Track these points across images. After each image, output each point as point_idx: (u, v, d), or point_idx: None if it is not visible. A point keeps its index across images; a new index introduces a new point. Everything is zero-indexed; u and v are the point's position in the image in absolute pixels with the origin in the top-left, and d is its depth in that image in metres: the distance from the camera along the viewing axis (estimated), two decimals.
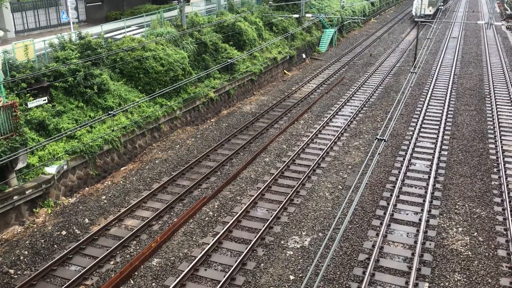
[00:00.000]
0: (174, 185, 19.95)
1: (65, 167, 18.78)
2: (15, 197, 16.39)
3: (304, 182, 20.02)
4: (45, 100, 19.59)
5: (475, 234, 16.44)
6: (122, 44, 25.32)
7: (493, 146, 23.96)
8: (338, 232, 15.17)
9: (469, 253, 15.40)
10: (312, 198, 18.90)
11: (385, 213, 17.53)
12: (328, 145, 23.67)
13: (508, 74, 38.42)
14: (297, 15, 41.94)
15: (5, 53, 19.65)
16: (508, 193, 18.96)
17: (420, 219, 17.13)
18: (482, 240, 16.10)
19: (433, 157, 22.38)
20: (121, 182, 20.32)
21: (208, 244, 15.71)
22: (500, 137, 24.86)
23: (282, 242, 15.96)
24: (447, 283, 13.99)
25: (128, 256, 15.25)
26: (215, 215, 17.71)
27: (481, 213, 17.77)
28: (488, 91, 33.79)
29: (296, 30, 42.67)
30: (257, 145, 24.27)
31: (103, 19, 36.51)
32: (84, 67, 21.44)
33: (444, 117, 27.91)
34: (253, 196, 18.72)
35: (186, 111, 26.81)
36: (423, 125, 26.72)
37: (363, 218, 17.39)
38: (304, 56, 43.81)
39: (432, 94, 32.82)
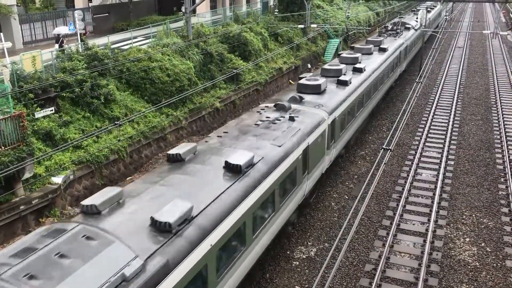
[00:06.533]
0: None
1: (71, 177, 18.84)
2: (22, 207, 16.43)
3: None
4: (52, 110, 19.71)
5: (483, 244, 16.30)
6: (128, 55, 25.50)
7: (500, 155, 23.82)
8: (344, 242, 15.08)
9: (477, 263, 15.26)
10: (318, 208, 18.83)
11: (391, 223, 17.42)
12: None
13: None
14: (302, 26, 42.14)
15: (13, 64, 19.86)
16: None
17: (426, 229, 17.01)
18: (490, 250, 15.95)
19: (440, 166, 22.27)
20: None
21: None
22: (507, 146, 24.72)
23: (288, 252, 15.89)
24: None
25: None
26: None
27: (489, 223, 17.63)
28: (495, 100, 33.68)
29: (301, 40, 42.83)
30: None
31: (110, 30, 36.86)
32: (91, 78, 21.60)
33: (450, 127, 27.82)
34: None
35: (192, 121, 26.88)
36: (429, 135, 26.63)
37: (369, 228, 17.29)
38: (309, 65, 43.92)
39: (438, 104, 32.75)
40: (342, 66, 23.49)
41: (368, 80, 24.53)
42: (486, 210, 18.55)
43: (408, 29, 40.46)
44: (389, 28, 39.03)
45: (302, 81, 20.81)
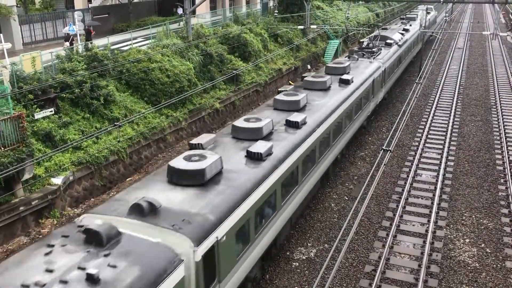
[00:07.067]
0: None
1: (71, 178, 18.84)
2: (21, 208, 16.43)
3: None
4: (51, 111, 19.71)
5: (483, 245, 16.30)
6: (128, 56, 25.51)
7: (499, 156, 23.82)
8: (344, 243, 15.08)
9: (477, 264, 15.25)
10: (317, 209, 18.82)
11: (391, 224, 17.42)
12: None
13: None
14: (302, 26, 42.16)
15: (13, 64, 19.86)
16: None
17: (426, 230, 17.00)
18: (489, 251, 15.95)
19: (439, 167, 22.26)
20: None
21: None
22: (507, 147, 24.72)
23: (287, 253, 15.89)
24: None
25: None
26: None
27: (488, 224, 17.63)
28: (494, 101, 33.69)
29: (301, 41, 42.85)
30: None
31: (110, 31, 36.86)
32: (90, 79, 21.60)
33: (450, 128, 27.82)
34: None
35: (192, 122, 26.88)
36: (429, 136, 26.63)
37: (369, 229, 17.29)
38: (309, 66, 43.93)
39: (438, 105, 32.76)
40: (266, 121, 14.50)
41: (311, 139, 15.72)
42: (486, 211, 18.55)
43: (390, 45, 32.72)
44: (363, 46, 32.27)
45: (174, 162, 11.46)
